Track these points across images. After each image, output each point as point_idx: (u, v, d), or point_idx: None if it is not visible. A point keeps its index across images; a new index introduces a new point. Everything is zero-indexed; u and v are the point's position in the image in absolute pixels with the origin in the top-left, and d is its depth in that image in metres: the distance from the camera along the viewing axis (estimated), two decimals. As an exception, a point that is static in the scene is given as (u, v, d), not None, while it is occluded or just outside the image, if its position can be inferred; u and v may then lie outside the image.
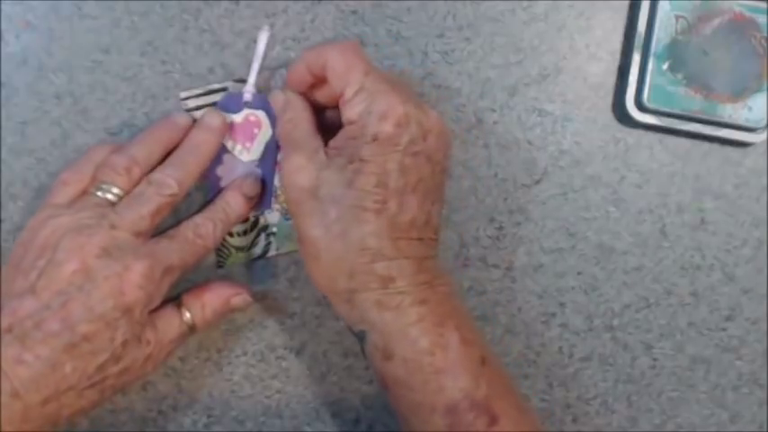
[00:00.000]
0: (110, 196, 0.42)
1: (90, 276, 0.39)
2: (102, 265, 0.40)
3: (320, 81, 0.44)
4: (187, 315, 0.44)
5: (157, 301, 0.42)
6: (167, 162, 0.44)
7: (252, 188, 0.46)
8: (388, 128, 0.40)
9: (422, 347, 0.39)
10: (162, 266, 0.41)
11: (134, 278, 0.40)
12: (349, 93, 0.41)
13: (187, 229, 0.43)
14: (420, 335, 0.39)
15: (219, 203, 0.45)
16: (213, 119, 0.46)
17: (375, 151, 0.39)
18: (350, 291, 0.40)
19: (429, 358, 0.39)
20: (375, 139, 0.40)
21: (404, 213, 0.40)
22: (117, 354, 0.40)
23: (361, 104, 0.40)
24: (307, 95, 0.45)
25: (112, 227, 0.41)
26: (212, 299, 0.45)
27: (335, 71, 0.42)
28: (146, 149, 0.44)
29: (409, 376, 0.39)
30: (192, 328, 0.44)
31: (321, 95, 0.45)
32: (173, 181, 0.43)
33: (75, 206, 0.42)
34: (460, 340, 0.39)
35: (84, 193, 0.43)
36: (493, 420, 0.38)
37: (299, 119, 0.44)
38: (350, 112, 0.41)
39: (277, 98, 0.45)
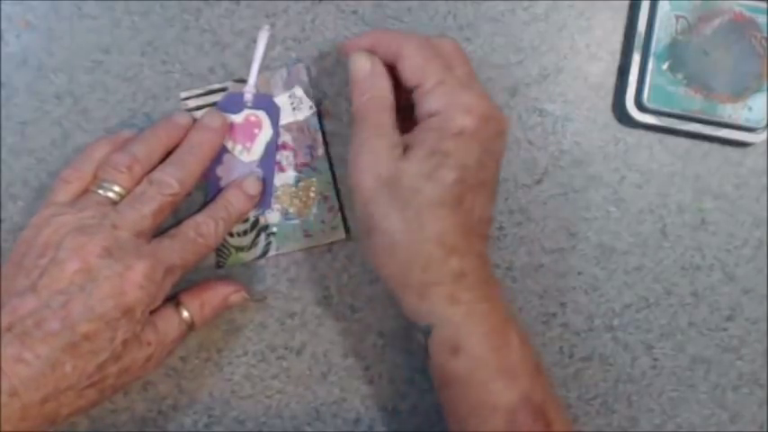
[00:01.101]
0: (111, 194, 0.42)
1: (91, 276, 0.39)
2: (104, 265, 0.39)
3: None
4: (185, 314, 0.44)
5: (159, 301, 0.42)
6: (168, 161, 0.44)
7: (254, 186, 0.46)
8: (473, 122, 0.39)
9: (489, 345, 0.39)
10: (164, 266, 0.41)
11: (135, 278, 0.40)
12: (429, 84, 0.40)
13: (188, 229, 0.43)
14: (488, 332, 0.39)
15: (221, 202, 0.45)
16: (213, 119, 0.46)
17: (459, 145, 0.39)
18: (423, 284, 0.39)
19: (495, 356, 0.39)
20: (461, 132, 0.39)
21: (476, 210, 0.40)
22: (117, 353, 0.40)
23: (444, 97, 0.40)
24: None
25: (114, 226, 0.41)
26: (210, 297, 0.45)
27: (413, 61, 0.41)
28: (147, 148, 0.44)
29: (473, 373, 0.39)
30: (190, 327, 0.44)
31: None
32: (174, 180, 0.43)
33: (77, 205, 0.42)
34: (520, 343, 0.40)
35: (86, 191, 0.43)
36: (548, 425, 0.39)
37: (385, 101, 0.42)
38: (431, 103, 0.40)
39: (359, 62, 0.42)
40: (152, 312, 0.42)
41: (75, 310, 0.38)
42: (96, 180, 0.43)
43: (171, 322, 0.43)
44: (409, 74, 0.41)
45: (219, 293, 0.45)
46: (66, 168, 0.44)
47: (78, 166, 0.44)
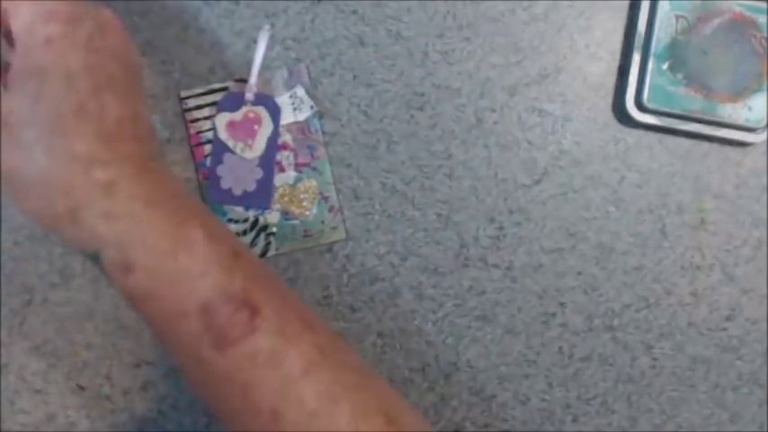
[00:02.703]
0: None
1: None
2: None
3: None
4: None
5: None
6: None
7: None
8: (58, 27, 0.36)
9: (162, 250, 0.36)
10: None
11: None
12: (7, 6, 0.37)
13: None
14: (159, 238, 0.36)
15: None
16: None
17: (52, 54, 0.36)
18: (72, 209, 0.36)
19: (172, 261, 0.36)
20: (49, 41, 0.36)
21: (110, 112, 0.37)
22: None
23: (23, 16, 0.37)
24: None
25: None
26: None
27: None
28: None
29: (154, 285, 0.36)
30: None
31: None
32: None
33: None
34: (206, 237, 0.37)
35: None
36: (254, 311, 0.36)
37: None
38: (15, 27, 0.37)
39: None
40: None
41: None
42: None
43: None
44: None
45: None
46: None
47: None
